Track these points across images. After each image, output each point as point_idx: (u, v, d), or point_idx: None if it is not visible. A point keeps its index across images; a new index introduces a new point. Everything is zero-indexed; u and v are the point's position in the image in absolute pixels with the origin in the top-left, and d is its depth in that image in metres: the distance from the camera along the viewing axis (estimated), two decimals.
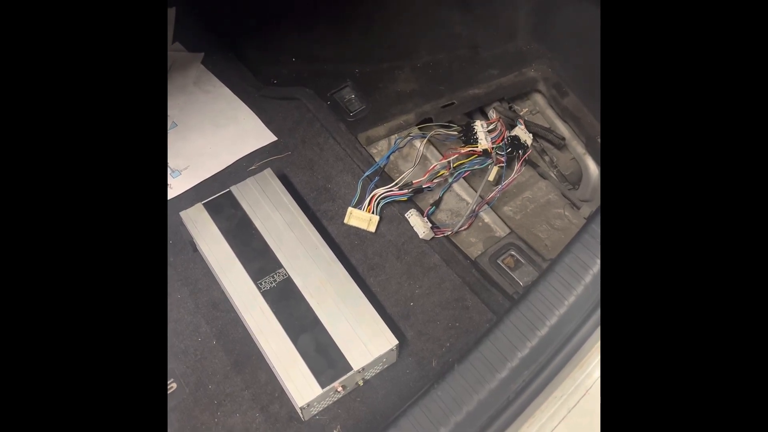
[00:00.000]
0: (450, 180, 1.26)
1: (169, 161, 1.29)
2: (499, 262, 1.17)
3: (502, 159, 1.25)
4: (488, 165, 1.26)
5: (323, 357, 0.99)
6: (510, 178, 1.27)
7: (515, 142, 1.28)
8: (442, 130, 1.32)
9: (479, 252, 1.19)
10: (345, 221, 1.19)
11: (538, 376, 0.80)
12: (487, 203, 1.25)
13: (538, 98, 1.43)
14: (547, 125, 1.40)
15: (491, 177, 1.26)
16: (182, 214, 1.14)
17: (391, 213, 1.21)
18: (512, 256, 1.18)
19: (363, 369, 0.99)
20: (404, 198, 1.21)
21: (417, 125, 1.34)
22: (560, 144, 1.37)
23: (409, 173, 1.23)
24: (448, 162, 1.25)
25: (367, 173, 1.23)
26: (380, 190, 1.20)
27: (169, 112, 1.37)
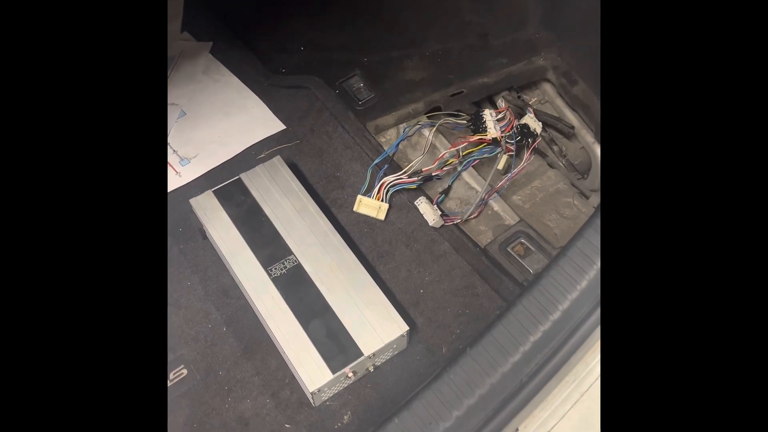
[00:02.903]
0: (459, 168, 1.26)
1: (178, 149, 1.29)
2: (508, 249, 1.17)
3: (512, 148, 1.25)
4: (497, 154, 1.26)
5: (334, 343, 0.99)
6: (519, 167, 1.27)
7: (524, 131, 1.28)
8: (451, 119, 1.31)
9: (489, 240, 1.19)
10: (354, 209, 1.19)
11: (550, 360, 0.80)
12: (497, 191, 1.24)
13: (547, 87, 1.42)
14: (556, 114, 1.40)
15: (500, 166, 1.25)
16: (192, 201, 1.14)
17: (400, 201, 1.21)
18: (522, 243, 1.18)
19: (374, 355, 0.99)
20: (413, 186, 1.21)
21: (426, 114, 1.34)
22: (569, 133, 1.37)
23: (418, 161, 1.23)
24: (457, 150, 1.25)
25: (376, 161, 1.23)
26: (389, 178, 1.20)
27: (178, 101, 1.37)
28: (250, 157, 1.28)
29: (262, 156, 1.28)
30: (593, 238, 0.87)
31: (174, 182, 1.24)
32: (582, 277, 0.84)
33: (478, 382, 0.79)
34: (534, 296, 0.84)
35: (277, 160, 1.20)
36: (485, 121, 1.26)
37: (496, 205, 1.24)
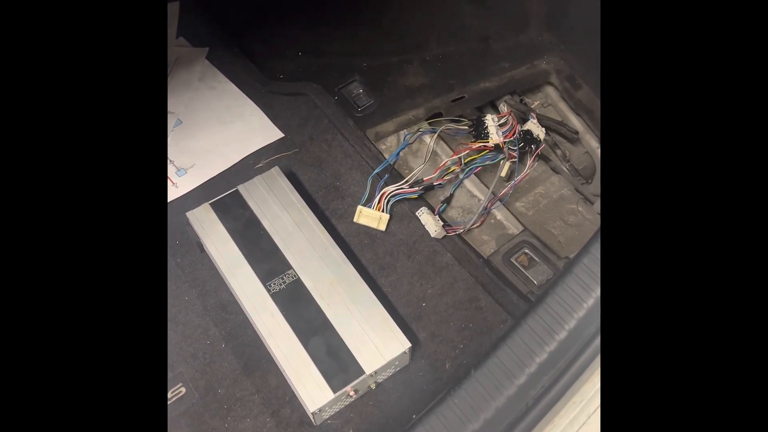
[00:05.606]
0: (461, 176, 1.24)
1: (174, 159, 1.26)
2: (512, 260, 1.14)
3: (514, 154, 1.22)
4: (500, 160, 1.23)
5: (335, 360, 0.97)
6: (522, 174, 1.24)
7: (527, 137, 1.25)
8: (453, 125, 1.29)
9: (492, 250, 1.17)
10: (354, 220, 1.17)
11: (557, 382, 0.78)
12: (500, 200, 1.22)
13: (550, 91, 1.40)
14: (559, 119, 1.37)
15: (503, 173, 1.23)
16: (189, 214, 1.12)
17: (401, 211, 1.18)
18: (526, 254, 1.15)
19: (375, 372, 0.97)
20: (415, 195, 1.19)
21: (427, 120, 1.32)
22: (573, 138, 1.34)
23: (419, 170, 1.20)
24: (459, 158, 1.22)
25: (376, 170, 1.20)
26: (390, 188, 1.17)
27: (175, 109, 1.34)
28: (248, 167, 1.26)
29: (260, 165, 1.25)
30: (599, 254, 0.85)
31: (171, 193, 1.22)
32: (588, 295, 0.82)
33: (482, 406, 0.76)
34: (539, 315, 0.82)
35: (276, 171, 1.18)
36: (487, 127, 1.23)
37: (499, 213, 1.22)
